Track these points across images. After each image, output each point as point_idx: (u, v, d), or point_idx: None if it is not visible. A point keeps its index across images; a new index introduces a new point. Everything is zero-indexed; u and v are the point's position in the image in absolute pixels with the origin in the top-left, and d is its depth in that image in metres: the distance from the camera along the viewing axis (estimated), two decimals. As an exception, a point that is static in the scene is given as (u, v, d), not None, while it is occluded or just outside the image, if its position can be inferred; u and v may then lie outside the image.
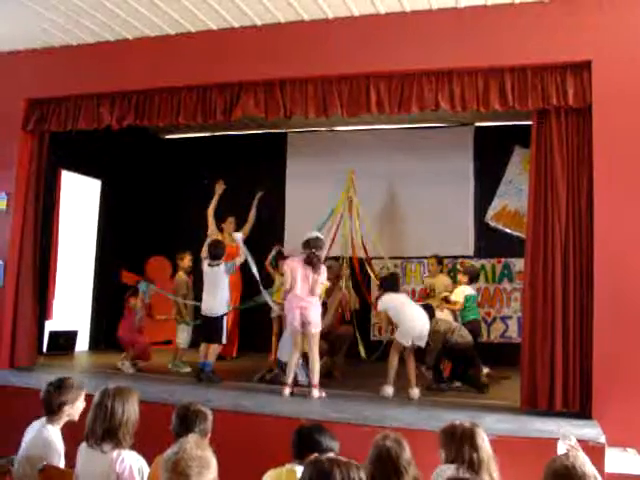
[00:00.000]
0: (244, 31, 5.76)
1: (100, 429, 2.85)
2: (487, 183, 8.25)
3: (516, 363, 5.26)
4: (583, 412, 4.66)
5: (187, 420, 3.02)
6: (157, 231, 8.96)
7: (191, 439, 2.28)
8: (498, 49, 5.10)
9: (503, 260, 8.15)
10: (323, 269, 5.54)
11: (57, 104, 6.42)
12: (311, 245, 5.52)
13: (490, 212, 8.22)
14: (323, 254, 5.70)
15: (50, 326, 7.75)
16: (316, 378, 5.40)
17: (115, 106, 6.19)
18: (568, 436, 3.18)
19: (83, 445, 2.94)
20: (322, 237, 5.80)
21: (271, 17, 5.56)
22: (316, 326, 5.46)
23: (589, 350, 4.70)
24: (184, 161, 9.35)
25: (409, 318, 5.61)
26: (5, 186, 6.43)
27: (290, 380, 5.48)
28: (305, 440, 2.95)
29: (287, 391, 5.43)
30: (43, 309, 7.31)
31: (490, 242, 8.11)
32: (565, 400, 4.74)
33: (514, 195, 8.03)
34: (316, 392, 5.34)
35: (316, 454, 2.68)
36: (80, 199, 8.53)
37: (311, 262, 5.45)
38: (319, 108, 5.55)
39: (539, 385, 4.82)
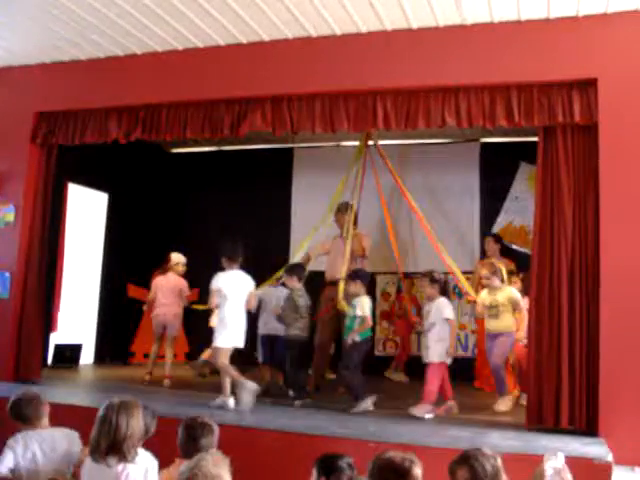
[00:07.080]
0: (251, 47, 5.81)
1: (104, 443, 2.83)
2: (493, 199, 8.26)
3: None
4: (590, 430, 4.61)
5: (193, 433, 3.03)
6: (163, 245, 8.95)
7: (209, 456, 2.24)
8: (504, 66, 5.12)
9: (509, 276, 8.11)
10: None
11: (66, 117, 6.46)
12: None
13: (495, 228, 8.22)
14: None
15: (55, 339, 7.75)
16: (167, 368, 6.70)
17: (123, 120, 6.22)
18: (555, 455, 2.67)
19: (88, 459, 2.93)
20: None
21: (278, 33, 5.61)
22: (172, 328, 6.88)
23: (596, 367, 4.66)
24: (191, 175, 9.39)
25: None
26: (13, 198, 6.47)
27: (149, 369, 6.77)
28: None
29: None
30: (48, 321, 7.31)
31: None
32: (571, 417, 4.69)
33: (520, 211, 8.04)
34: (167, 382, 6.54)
35: None
36: (87, 212, 8.57)
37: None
38: (326, 124, 5.58)
39: (545, 402, 4.78)
